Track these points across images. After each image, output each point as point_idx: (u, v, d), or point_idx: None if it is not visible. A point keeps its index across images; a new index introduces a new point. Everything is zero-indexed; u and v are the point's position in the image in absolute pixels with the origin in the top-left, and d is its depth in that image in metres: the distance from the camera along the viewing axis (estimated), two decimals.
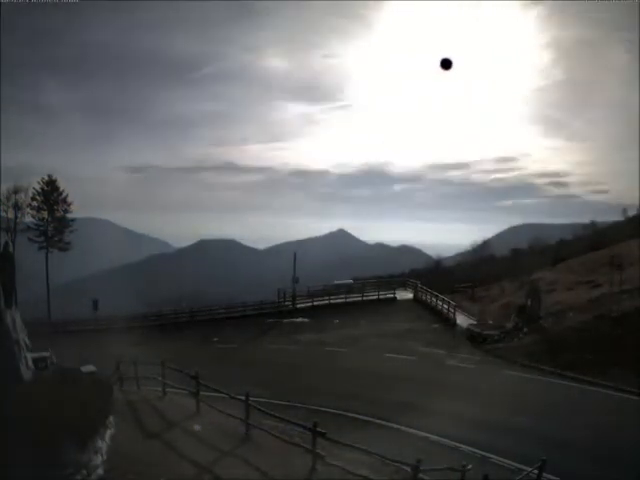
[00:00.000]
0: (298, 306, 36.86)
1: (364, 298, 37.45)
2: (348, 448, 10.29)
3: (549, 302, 29.04)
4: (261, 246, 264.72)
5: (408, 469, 8.92)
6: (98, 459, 8.43)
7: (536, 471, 9.66)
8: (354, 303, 36.63)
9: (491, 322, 30.07)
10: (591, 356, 20.18)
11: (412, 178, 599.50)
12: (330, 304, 36.66)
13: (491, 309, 34.09)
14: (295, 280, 38.21)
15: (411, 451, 11.00)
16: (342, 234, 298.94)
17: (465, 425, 14.38)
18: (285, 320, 33.80)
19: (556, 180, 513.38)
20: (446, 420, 14.78)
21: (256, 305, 37.66)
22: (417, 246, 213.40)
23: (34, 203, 44.39)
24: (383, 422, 15.04)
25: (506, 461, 12.11)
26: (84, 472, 7.87)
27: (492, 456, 12.39)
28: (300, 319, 34.00)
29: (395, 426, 14.69)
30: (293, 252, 40.69)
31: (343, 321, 32.66)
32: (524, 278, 41.49)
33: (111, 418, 10.04)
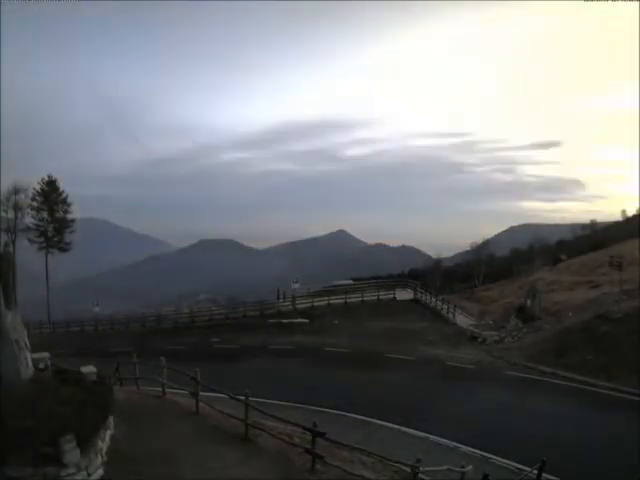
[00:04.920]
0: (298, 306, 36.83)
1: (364, 299, 37.41)
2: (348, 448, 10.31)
3: (549, 302, 29.05)
4: (261, 246, 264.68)
5: (408, 469, 8.91)
6: (98, 460, 8.43)
7: (535, 471, 9.67)
8: (354, 304, 36.59)
9: (491, 322, 30.10)
10: (591, 357, 20.18)
11: None
12: (330, 305, 36.63)
13: (491, 309, 34.11)
14: (295, 280, 38.18)
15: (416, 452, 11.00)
16: (342, 234, 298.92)
17: (459, 428, 14.34)
18: (285, 321, 33.77)
19: None
20: (437, 421, 14.83)
21: (256, 305, 37.61)
22: (417, 246, 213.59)
23: (34, 204, 44.46)
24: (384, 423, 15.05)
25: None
26: (84, 473, 7.88)
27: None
28: (300, 320, 33.97)
29: (396, 427, 14.71)
30: (293, 253, 40.68)
31: (343, 322, 32.65)
32: (524, 278, 41.57)
33: (111, 419, 10.04)
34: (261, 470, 9.62)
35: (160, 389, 14.83)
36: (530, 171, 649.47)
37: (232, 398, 12.03)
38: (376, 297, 37.73)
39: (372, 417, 15.39)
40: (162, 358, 14.69)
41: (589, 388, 18.19)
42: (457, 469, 9.98)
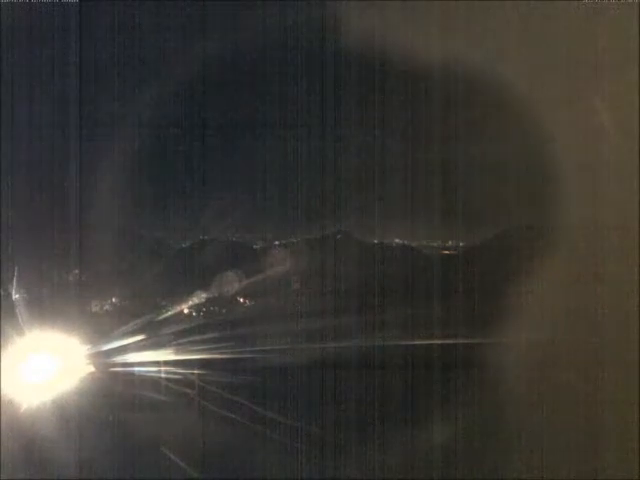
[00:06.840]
0: None
1: None
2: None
3: None
4: (256, 245, 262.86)
5: None
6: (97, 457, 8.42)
7: None
8: None
9: None
10: None
11: None
12: None
13: None
14: (295, 281, 38.05)
15: None
16: (342, 234, 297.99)
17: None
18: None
19: None
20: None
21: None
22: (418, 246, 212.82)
23: None
24: None
25: None
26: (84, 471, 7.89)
27: None
28: None
29: None
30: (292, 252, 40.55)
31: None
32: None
33: (110, 417, 10.01)
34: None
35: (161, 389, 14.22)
36: None
37: (232, 398, 11.69)
38: None
39: None
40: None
41: None
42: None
